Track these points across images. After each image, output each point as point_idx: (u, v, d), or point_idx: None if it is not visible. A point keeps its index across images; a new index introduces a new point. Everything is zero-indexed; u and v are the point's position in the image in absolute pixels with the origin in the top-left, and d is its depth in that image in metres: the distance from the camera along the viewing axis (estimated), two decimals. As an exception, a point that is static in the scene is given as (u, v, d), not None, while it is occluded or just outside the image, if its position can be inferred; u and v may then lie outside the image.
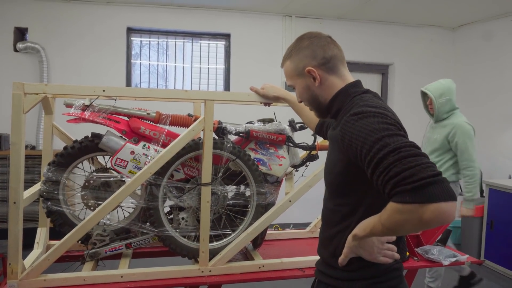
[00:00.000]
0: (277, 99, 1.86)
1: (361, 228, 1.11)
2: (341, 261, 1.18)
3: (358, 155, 1.04)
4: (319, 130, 1.70)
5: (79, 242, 1.91)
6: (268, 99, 1.88)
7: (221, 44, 5.31)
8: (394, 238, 1.19)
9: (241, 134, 2.00)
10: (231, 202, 2.00)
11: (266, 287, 3.56)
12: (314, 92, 1.26)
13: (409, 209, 0.91)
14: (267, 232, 2.25)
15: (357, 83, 1.26)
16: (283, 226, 3.72)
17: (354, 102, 1.18)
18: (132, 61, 5.09)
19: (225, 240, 1.97)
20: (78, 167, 1.96)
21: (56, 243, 1.73)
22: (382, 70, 5.73)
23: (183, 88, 5.17)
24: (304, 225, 3.69)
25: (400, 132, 1.03)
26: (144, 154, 1.88)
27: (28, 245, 1.82)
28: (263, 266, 1.93)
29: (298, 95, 1.34)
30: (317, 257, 1.36)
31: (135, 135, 1.91)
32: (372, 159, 0.99)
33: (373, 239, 1.14)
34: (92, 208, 1.92)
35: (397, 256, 1.19)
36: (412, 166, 0.92)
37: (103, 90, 1.69)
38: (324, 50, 1.24)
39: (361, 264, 1.18)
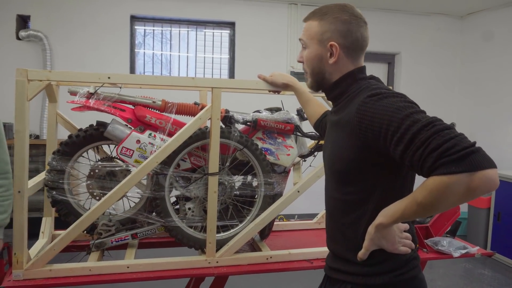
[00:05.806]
0: (286, 86, 1.81)
1: (386, 215, 1.05)
2: (362, 256, 1.12)
3: (383, 135, 1.01)
4: (318, 126, 1.67)
5: (85, 232, 1.89)
6: (277, 87, 1.83)
7: (225, 32, 5.24)
8: (407, 226, 1.16)
9: (248, 123, 1.96)
10: (238, 192, 1.96)
11: (273, 278, 3.55)
12: (324, 66, 1.22)
13: (456, 179, 0.89)
14: (274, 223, 2.22)
15: (364, 69, 1.24)
16: (288, 217, 3.71)
17: (361, 87, 1.16)
18: (135, 50, 5.03)
19: (232, 231, 1.94)
20: (83, 156, 1.93)
21: (62, 233, 1.71)
22: (388, 59, 5.65)
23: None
24: (310, 216, 3.67)
25: (423, 110, 1.02)
26: (150, 143, 1.84)
27: (33, 235, 1.80)
28: (271, 257, 1.91)
29: (305, 57, 1.26)
30: (326, 249, 1.31)
31: (141, 124, 1.87)
32: (403, 136, 0.97)
33: (394, 228, 1.10)
34: (97, 198, 1.89)
35: (413, 245, 1.15)
36: (452, 137, 0.92)
37: (108, 77, 1.65)
38: (361, 35, 1.20)
39: (383, 257, 1.13)
